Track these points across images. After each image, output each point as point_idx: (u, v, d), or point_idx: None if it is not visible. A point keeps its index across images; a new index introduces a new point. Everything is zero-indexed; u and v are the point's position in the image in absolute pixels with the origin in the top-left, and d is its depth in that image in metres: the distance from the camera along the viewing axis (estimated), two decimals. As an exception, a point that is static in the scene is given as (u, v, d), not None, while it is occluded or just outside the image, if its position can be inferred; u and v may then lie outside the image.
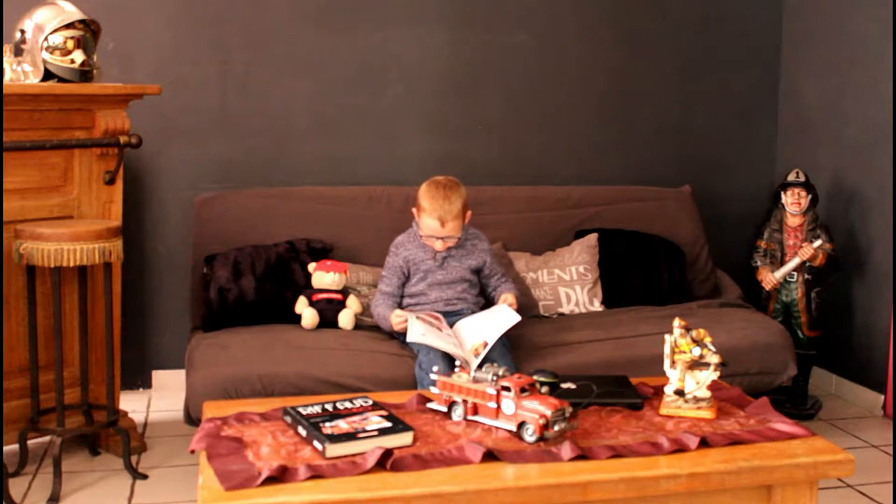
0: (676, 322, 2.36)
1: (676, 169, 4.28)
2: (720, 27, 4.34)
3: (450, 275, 3.19)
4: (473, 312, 3.16)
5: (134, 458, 3.21)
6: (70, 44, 3.01)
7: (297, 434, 2.08)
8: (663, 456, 2.05)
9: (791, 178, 3.82)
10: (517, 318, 2.99)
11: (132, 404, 3.69)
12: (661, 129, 4.32)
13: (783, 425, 2.20)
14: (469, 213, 3.20)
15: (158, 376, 3.99)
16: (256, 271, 3.35)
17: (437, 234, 3.11)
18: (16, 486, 3.00)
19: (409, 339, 2.88)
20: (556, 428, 2.07)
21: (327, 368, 2.97)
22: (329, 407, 2.17)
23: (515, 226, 3.82)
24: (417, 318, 2.94)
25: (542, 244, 3.82)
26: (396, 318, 3.07)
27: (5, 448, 3.01)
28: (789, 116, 4.39)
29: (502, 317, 2.99)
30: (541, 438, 2.06)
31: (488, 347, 2.90)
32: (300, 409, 2.14)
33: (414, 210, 3.20)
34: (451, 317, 3.14)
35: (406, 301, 3.22)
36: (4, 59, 3.03)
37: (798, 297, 3.78)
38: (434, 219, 3.09)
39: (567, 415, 2.10)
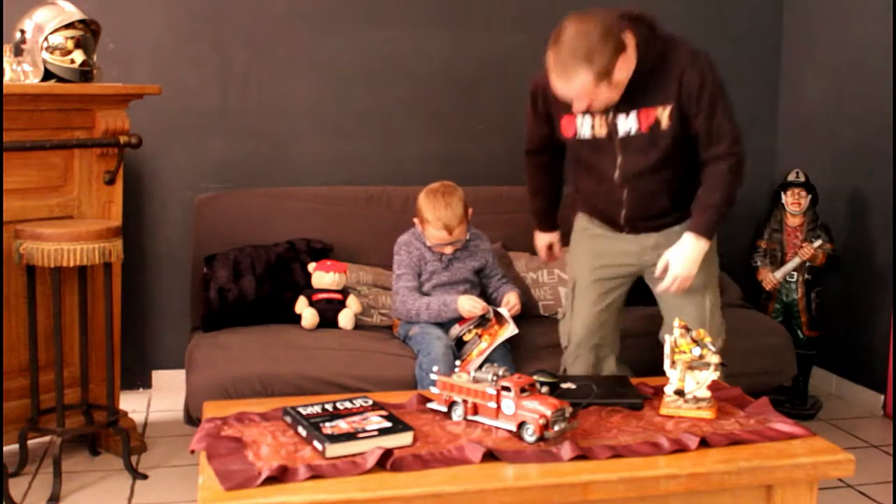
0: (676, 322, 2.37)
1: (676, 169, 4.28)
2: (720, 27, 4.34)
3: (454, 276, 3.19)
4: (478, 324, 3.16)
5: (134, 458, 3.21)
6: (70, 44, 3.01)
7: (297, 434, 2.08)
8: (663, 456, 2.05)
9: (791, 178, 3.82)
10: (515, 330, 3.02)
11: (132, 404, 3.69)
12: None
13: (783, 425, 2.20)
14: (470, 210, 3.20)
15: (158, 376, 3.99)
16: (256, 271, 3.35)
17: (446, 241, 3.12)
18: (16, 486, 3.00)
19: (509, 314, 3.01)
20: (556, 428, 2.07)
21: (327, 368, 2.97)
22: (329, 407, 2.17)
23: (515, 226, 3.81)
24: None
25: (542, 244, 3.82)
26: (472, 305, 3.04)
27: (5, 448, 3.01)
28: (789, 116, 4.39)
29: (504, 329, 3.03)
30: (541, 438, 2.06)
31: (484, 355, 2.93)
32: (300, 409, 2.14)
33: (416, 220, 3.19)
34: (453, 317, 3.14)
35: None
36: (4, 59, 3.03)
37: (798, 297, 3.78)
38: (440, 228, 3.08)
39: (567, 415, 2.10)
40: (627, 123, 2.65)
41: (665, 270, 2.72)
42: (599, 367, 2.88)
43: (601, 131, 2.69)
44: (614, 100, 2.59)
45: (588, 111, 2.65)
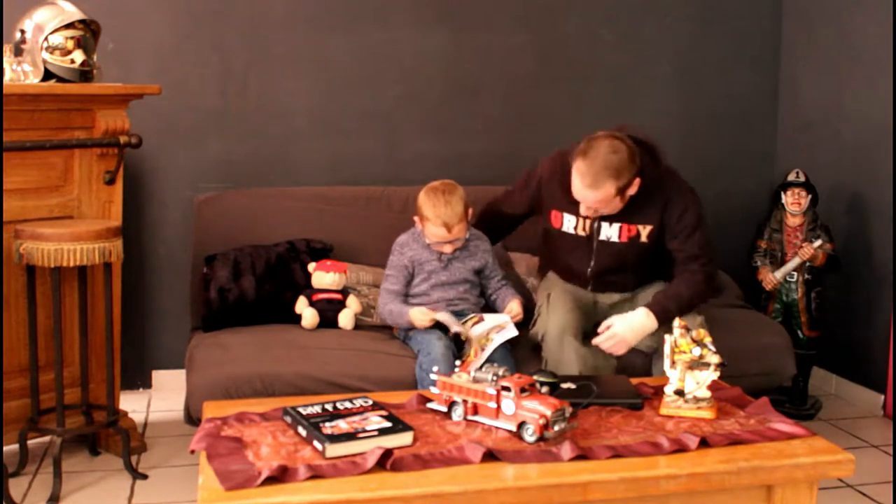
0: (676, 322, 2.37)
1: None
2: (720, 27, 4.34)
3: (453, 276, 3.19)
4: (474, 313, 3.17)
5: (134, 458, 3.21)
6: (70, 44, 3.01)
7: (297, 434, 2.09)
8: (663, 456, 2.05)
9: (791, 178, 3.82)
10: (514, 332, 3.02)
11: (132, 404, 3.69)
12: (660, 130, 4.30)
13: (783, 425, 2.20)
14: (471, 210, 3.20)
15: (158, 376, 3.99)
16: (256, 271, 3.35)
17: (445, 239, 3.12)
18: (16, 486, 3.00)
19: (452, 330, 2.98)
20: (556, 428, 2.07)
21: (328, 368, 2.97)
22: (329, 407, 2.17)
23: (515, 226, 3.82)
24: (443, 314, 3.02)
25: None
26: (421, 316, 3.05)
27: (5, 448, 3.01)
28: (789, 116, 4.39)
29: (503, 330, 3.03)
30: (541, 438, 2.06)
31: (483, 357, 2.92)
32: (300, 409, 2.14)
33: (416, 219, 3.20)
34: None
35: (408, 301, 3.22)
36: (4, 59, 3.03)
37: (798, 297, 3.78)
38: (439, 226, 3.08)
39: (567, 415, 2.10)
40: (609, 231, 2.99)
41: (607, 328, 2.93)
42: (587, 353, 2.93)
43: (582, 232, 3.02)
44: (616, 211, 2.91)
45: (580, 215, 2.97)
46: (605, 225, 2.98)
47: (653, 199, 2.94)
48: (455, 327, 2.98)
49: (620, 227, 2.98)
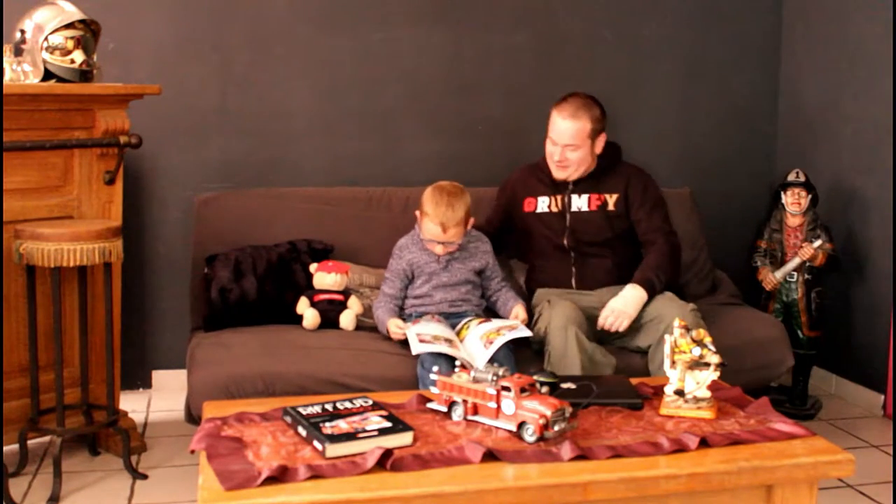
0: (676, 322, 2.37)
1: (676, 170, 4.28)
2: (720, 27, 4.34)
3: (454, 277, 3.20)
4: (477, 314, 3.17)
5: (134, 458, 3.21)
6: (70, 44, 3.01)
7: (297, 434, 2.09)
8: (663, 456, 2.05)
9: (791, 178, 3.82)
10: (528, 332, 3.03)
11: (132, 404, 3.69)
12: (660, 130, 4.32)
13: (783, 425, 2.20)
14: (472, 220, 3.21)
15: (158, 376, 3.99)
16: (258, 271, 3.35)
17: (438, 238, 3.12)
18: (16, 486, 3.00)
19: (413, 352, 2.92)
20: (556, 428, 2.07)
21: (329, 368, 2.97)
22: (329, 407, 2.17)
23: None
24: (417, 335, 2.96)
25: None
26: (395, 329, 3.08)
27: (5, 448, 3.01)
28: (789, 116, 4.39)
29: (514, 330, 3.03)
30: (541, 438, 2.06)
31: (494, 347, 2.91)
32: (300, 409, 2.14)
33: (417, 213, 3.20)
34: (455, 318, 3.15)
35: (411, 303, 3.22)
36: (4, 59, 3.03)
37: (798, 297, 3.78)
38: (436, 224, 3.09)
39: (567, 415, 2.10)
40: (579, 202, 3.32)
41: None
42: (590, 345, 2.97)
43: (556, 208, 3.33)
44: (582, 168, 3.28)
45: (549, 194, 3.33)
46: (574, 197, 3.32)
47: (617, 173, 3.35)
48: (418, 348, 2.90)
49: (589, 197, 3.31)
